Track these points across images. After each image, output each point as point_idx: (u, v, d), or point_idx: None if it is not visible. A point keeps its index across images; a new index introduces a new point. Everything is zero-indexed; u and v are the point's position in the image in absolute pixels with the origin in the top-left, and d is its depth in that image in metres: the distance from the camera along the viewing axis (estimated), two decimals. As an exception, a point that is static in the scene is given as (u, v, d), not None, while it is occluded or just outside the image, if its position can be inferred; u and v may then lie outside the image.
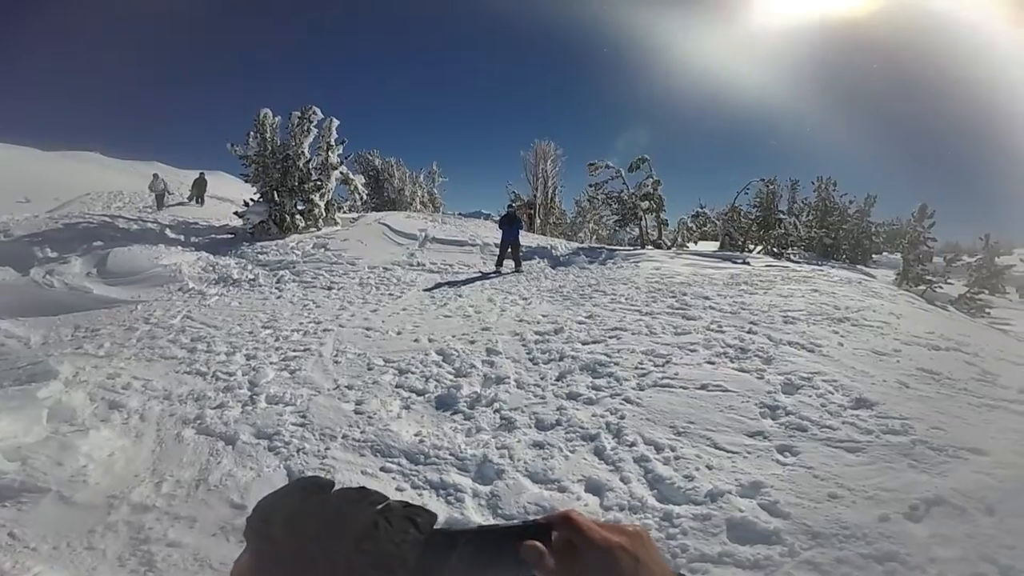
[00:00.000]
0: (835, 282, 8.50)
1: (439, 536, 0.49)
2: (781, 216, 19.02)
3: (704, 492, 3.07)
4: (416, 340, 6.15)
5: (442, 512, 3.11)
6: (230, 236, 13.73)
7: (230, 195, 20.03)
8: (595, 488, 3.27)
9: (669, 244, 17.32)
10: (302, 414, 4.40)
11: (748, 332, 5.56)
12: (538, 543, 0.46)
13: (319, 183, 14.70)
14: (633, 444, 3.65)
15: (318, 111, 14.65)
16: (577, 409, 4.22)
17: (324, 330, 6.73)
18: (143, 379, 5.30)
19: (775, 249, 17.77)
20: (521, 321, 6.73)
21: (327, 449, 3.89)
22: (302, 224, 14.34)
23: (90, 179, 25.16)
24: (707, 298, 7.17)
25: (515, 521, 0.50)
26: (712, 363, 4.85)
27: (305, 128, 14.48)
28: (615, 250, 13.43)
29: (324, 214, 14.85)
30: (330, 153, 15.18)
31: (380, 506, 0.51)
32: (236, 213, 14.68)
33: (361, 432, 4.07)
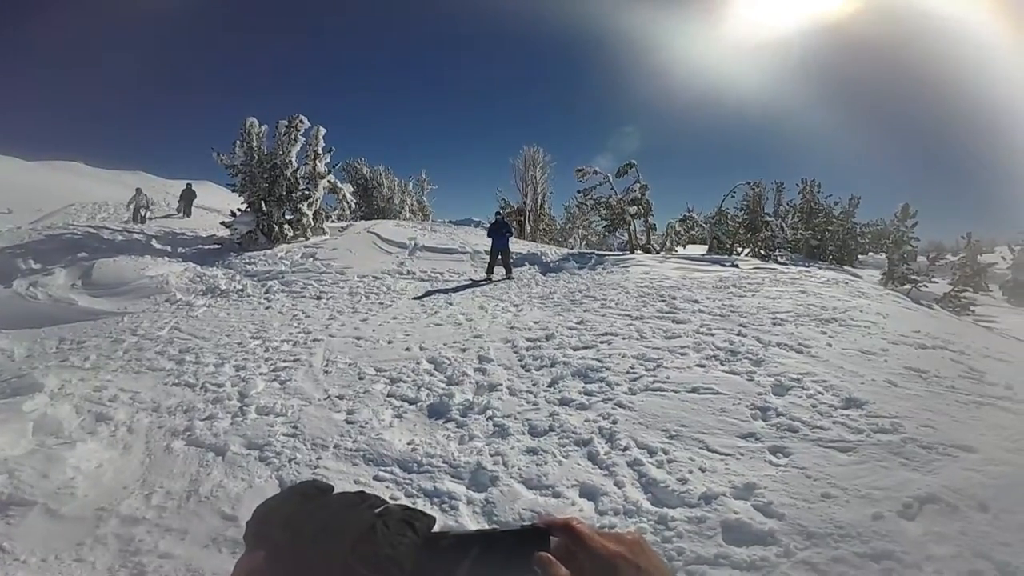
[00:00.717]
0: (822, 283, 8.60)
1: (437, 539, 0.49)
2: (768, 219, 19.25)
3: (698, 494, 3.08)
4: (407, 349, 6.12)
5: (437, 520, 3.09)
6: (217, 246, 13.59)
7: (217, 205, 19.89)
8: (589, 493, 3.27)
9: (658, 248, 17.45)
10: (293, 424, 4.36)
11: (738, 334, 5.60)
12: (549, 555, 0.46)
13: (307, 192, 14.62)
14: (626, 448, 3.65)
15: (305, 120, 14.58)
16: (570, 415, 4.22)
17: (314, 340, 6.67)
18: (130, 391, 5.23)
19: (762, 251, 17.96)
20: (512, 328, 6.73)
21: (319, 459, 3.85)
22: (290, 234, 14.23)
23: (74, 189, 24.83)
24: (696, 301, 7.22)
25: (513, 526, 0.51)
26: (702, 366, 4.87)
27: (292, 137, 14.40)
28: (604, 255, 13.49)
29: (312, 223, 14.75)
30: (317, 162, 15.11)
31: (378, 509, 0.51)
32: (223, 223, 14.55)
33: (353, 441, 4.04)
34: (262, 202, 13.96)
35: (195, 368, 5.85)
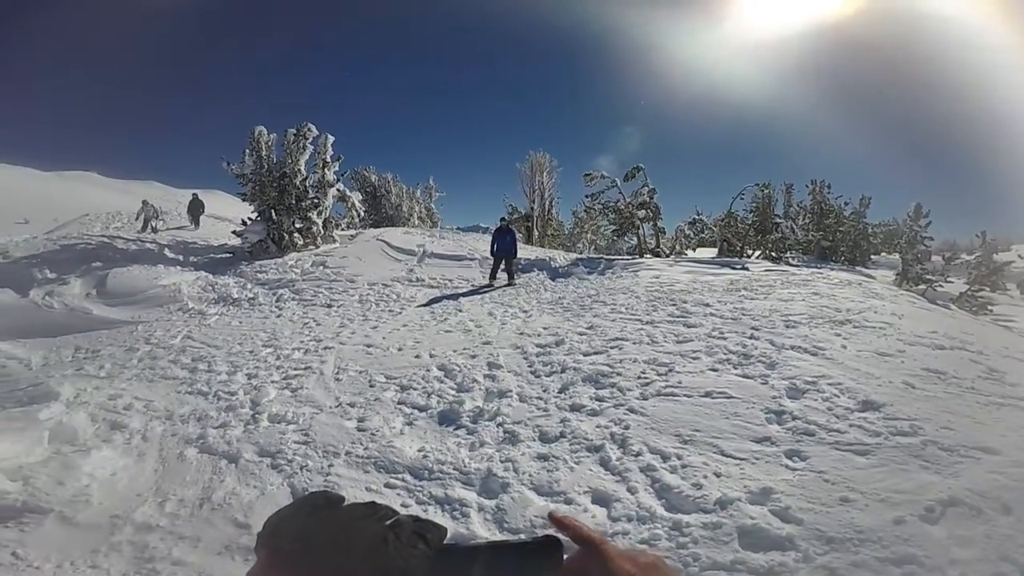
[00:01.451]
0: (835, 284, 8.50)
1: (449, 552, 0.49)
2: (778, 220, 19.09)
3: (713, 500, 3.03)
4: (417, 356, 6.13)
5: (448, 527, 3.07)
6: (229, 255, 13.74)
7: (228, 214, 20.09)
8: (602, 499, 3.23)
9: (667, 252, 17.36)
10: (305, 432, 4.37)
11: (750, 338, 5.55)
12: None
13: (316, 201, 14.74)
14: (639, 454, 3.61)
15: (313, 128, 14.71)
16: (581, 420, 4.19)
17: (325, 348, 6.71)
18: (144, 399, 5.28)
19: (773, 253, 17.81)
20: (522, 334, 6.72)
21: (331, 466, 3.85)
22: (300, 242, 14.36)
23: (88, 199, 25.29)
24: (707, 305, 7.17)
25: (526, 537, 0.50)
26: (715, 370, 4.82)
27: (301, 145, 14.54)
28: (614, 260, 13.45)
29: (322, 232, 14.87)
30: (326, 170, 15.24)
31: (390, 521, 0.50)
32: (234, 232, 14.71)
33: (364, 449, 4.04)
34: (272, 211, 14.10)
35: (208, 376, 5.89)
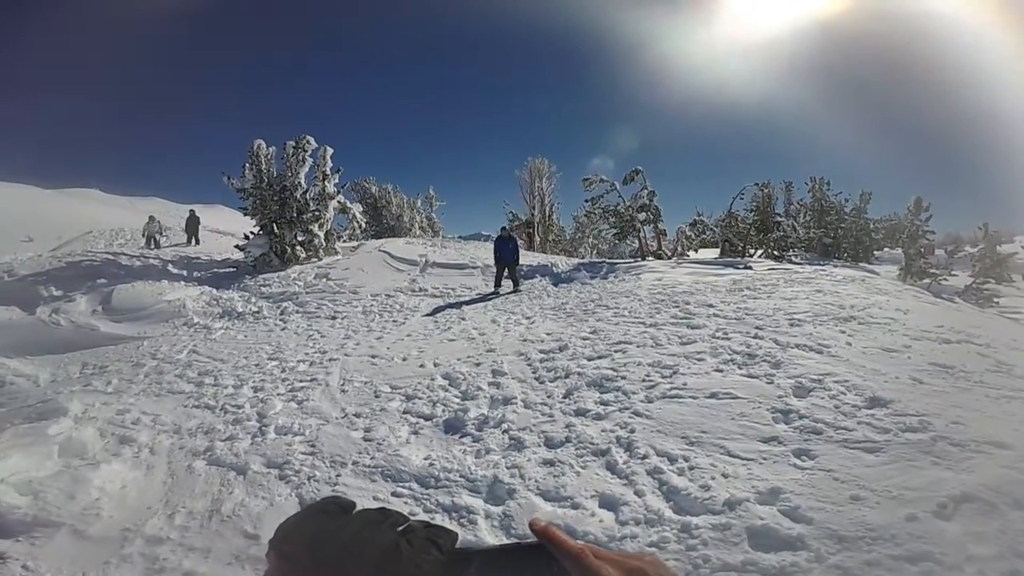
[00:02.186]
0: (838, 281, 8.47)
1: (461, 556, 0.49)
2: (779, 219, 19.05)
3: (722, 501, 3.01)
4: (422, 365, 6.13)
5: (458, 535, 3.06)
6: (232, 269, 13.79)
7: (230, 228, 20.16)
8: (609, 503, 3.21)
9: (669, 254, 17.33)
10: (311, 443, 4.37)
11: (754, 337, 5.53)
12: None
13: (317, 213, 14.79)
14: (645, 457, 3.60)
15: (312, 140, 14.79)
16: (586, 425, 4.17)
17: (330, 360, 6.71)
18: (152, 414, 5.30)
19: (775, 252, 17.73)
20: (525, 340, 6.71)
21: (338, 476, 3.85)
22: (303, 255, 14.40)
23: (91, 216, 25.45)
24: (711, 306, 7.15)
25: (530, 540, 0.50)
26: (720, 371, 4.81)
27: (300, 158, 14.62)
28: (616, 263, 13.43)
29: (324, 244, 14.91)
30: (326, 182, 15.31)
31: (401, 527, 0.50)
32: (237, 246, 14.77)
33: (371, 458, 4.03)
34: (273, 224, 14.16)
35: (214, 390, 5.91)
